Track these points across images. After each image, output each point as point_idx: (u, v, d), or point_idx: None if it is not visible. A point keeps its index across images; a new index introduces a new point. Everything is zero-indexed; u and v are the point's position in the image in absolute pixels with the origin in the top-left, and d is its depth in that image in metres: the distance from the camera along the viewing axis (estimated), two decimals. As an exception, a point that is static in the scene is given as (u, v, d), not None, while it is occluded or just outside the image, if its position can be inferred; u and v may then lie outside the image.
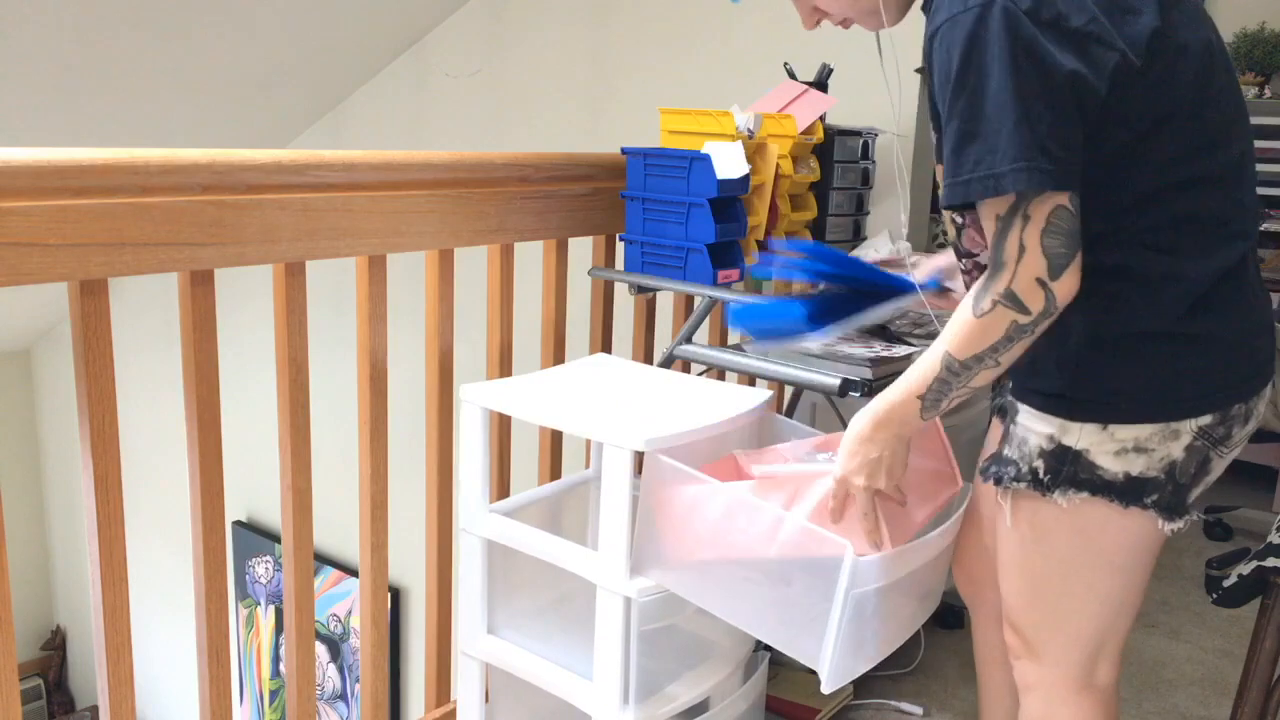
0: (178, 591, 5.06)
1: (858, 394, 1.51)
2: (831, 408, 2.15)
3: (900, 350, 1.62)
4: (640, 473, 1.38)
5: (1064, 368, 1.11)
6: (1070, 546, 1.16)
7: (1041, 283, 1.02)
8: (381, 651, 1.72)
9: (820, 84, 2.23)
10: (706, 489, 1.29)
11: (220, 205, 1.32)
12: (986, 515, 1.38)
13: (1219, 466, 1.14)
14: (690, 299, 2.17)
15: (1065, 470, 1.12)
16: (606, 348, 2.09)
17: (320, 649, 4.78)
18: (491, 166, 1.73)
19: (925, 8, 1.13)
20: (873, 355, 1.57)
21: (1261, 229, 3.10)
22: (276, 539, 4.77)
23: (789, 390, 2.33)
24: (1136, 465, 1.10)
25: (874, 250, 2.16)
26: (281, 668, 4.90)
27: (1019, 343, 1.06)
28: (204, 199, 1.31)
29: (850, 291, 1.44)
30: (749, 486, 1.30)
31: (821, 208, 2.22)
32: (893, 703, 2.01)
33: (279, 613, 4.90)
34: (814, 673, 2.05)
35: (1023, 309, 1.03)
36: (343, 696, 4.72)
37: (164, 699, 5.46)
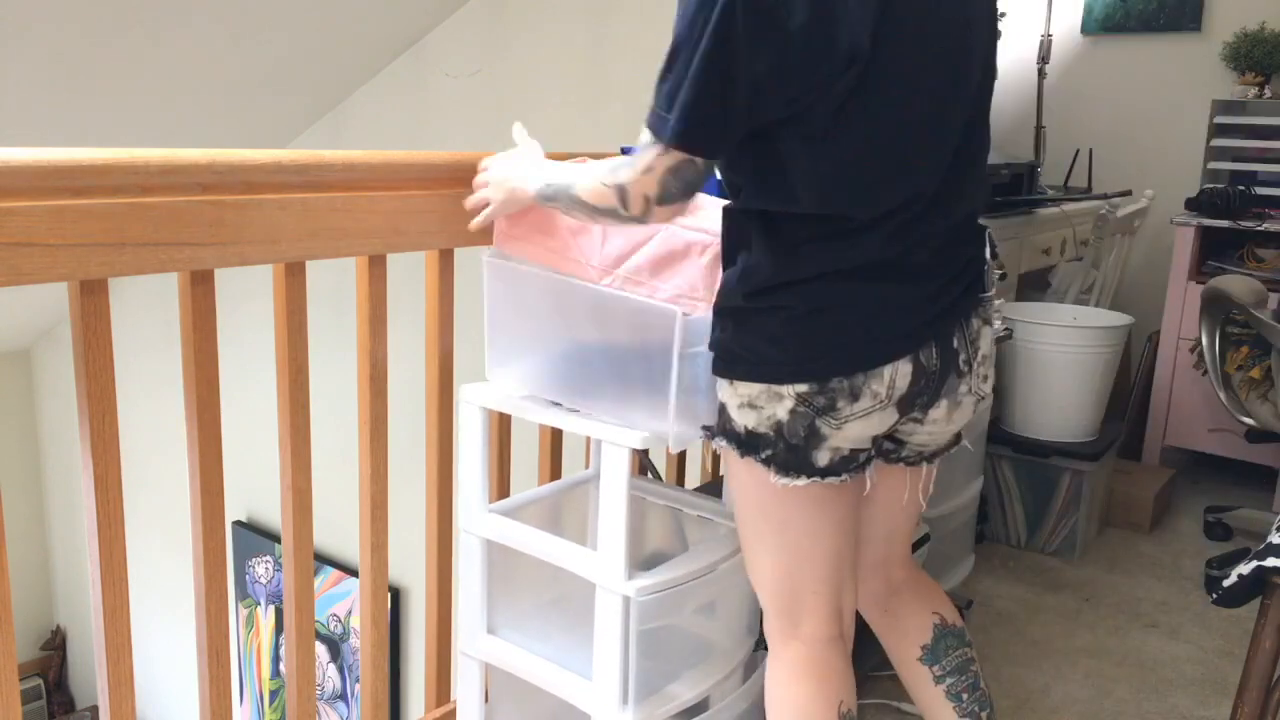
0: (178, 591, 5.06)
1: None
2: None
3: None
4: (638, 473, 1.39)
5: (714, 328, 1.26)
6: (737, 494, 1.30)
7: (647, 199, 1.19)
8: (381, 651, 1.72)
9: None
10: (533, 277, 1.49)
11: (220, 205, 1.32)
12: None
13: (840, 435, 1.20)
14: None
15: (719, 420, 1.26)
16: (606, 348, 2.09)
17: (320, 649, 4.78)
18: (491, 166, 1.73)
19: None
20: None
21: (1261, 229, 3.11)
22: (276, 539, 4.77)
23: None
24: (751, 420, 1.21)
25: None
26: (281, 668, 4.90)
27: (606, 220, 1.28)
28: (204, 199, 1.31)
29: None
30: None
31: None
32: (893, 703, 2.01)
33: (279, 613, 4.90)
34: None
35: (624, 206, 1.21)
36: (343, 696, 4.72)
37: (164, 699, 5.46)
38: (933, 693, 1.44)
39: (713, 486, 2.14)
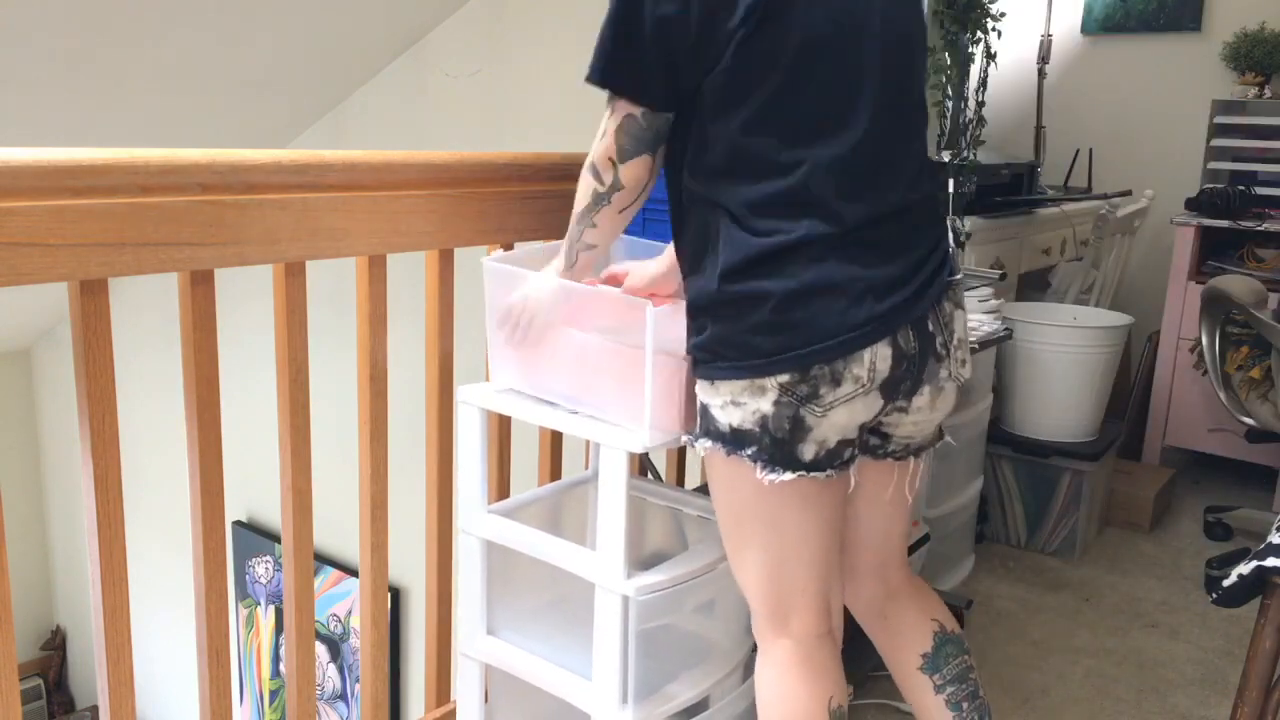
0: (178, 591, 5.06)
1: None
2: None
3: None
4: (638, 473, 1.39)
5: (688, 332, 1.28)
6: (720, 495, 1.30)
7: (612, 161, 1.26)
8: (381, 651, 1.72)
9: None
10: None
11: (220, 205, 1.32)
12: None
13: (824, 425, 1.20)
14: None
15: (701, 422, 1.27)
16: (606, 348, 2.09)
17: (320, 649, 4.78)
18: (491, 166, 1.73)
19: None
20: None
21: (1261, 229, 3.11)
22: (276, 539, 4.77)
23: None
24: (735, 417, 1.22)
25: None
26: (281, 668, 4.90)
27: (603, 210, 1.30)
28: (204, 199, 1.31)
29: None
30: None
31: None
32: (893, 703, 2.01)
33: (279, 613, 4.90)
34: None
35: (598, 178, 1.28)
36: (343, 696, 4.72)
37: (164, 699, 5.46)
38: (933, 701, 1.43)
39: (713, 486, 2.14)
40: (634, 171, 1.26)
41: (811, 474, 1.21)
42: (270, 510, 4.87)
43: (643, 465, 2.09)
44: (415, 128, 4.01)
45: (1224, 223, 3.15)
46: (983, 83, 2.96)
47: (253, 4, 3.31)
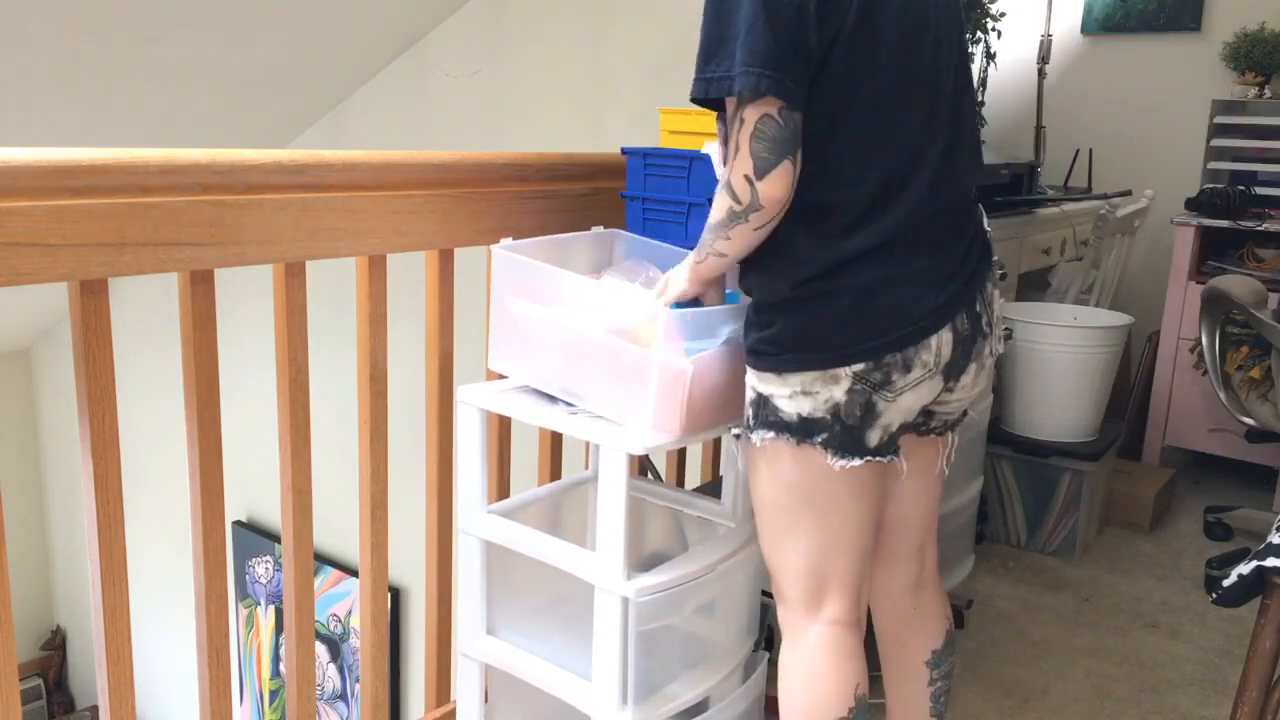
0: (178, 591, 5.06)
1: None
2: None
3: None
4: (638, 473, 1.39)
5: (749, 329, 1.30)
6: (771, 484, 1.31)
7: (748, 180, 1.19)
8: (381, 651, 1.72)
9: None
10: (539, 269, 1.52)
11: (220, 205, 1.32)
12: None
13: (893, 410, 1.25)
14: (690, 299, 2.16)
15: (760, 415, 1.29)
16: (606, 348, 2.09)
17: (320, 649, 4.78)
18: (491, 166, 1.73)
19: None
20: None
21: (1261, 229, 3.11)
22: (276, 539, 4.77)
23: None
24: (805, 407, 1.25)
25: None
26: (281, 668, 4.90)
27: (738, 227, 1.23)
28: (204, 199, 1.31)
29: None
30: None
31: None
32: (892, 703, 2.01)
33: (279, 613, 4.90)
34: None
35: (735, 199, 1.21)
36: (343, 696, 4.72)
37: (164, 699, 5.46)
38: (922, 693, 1.48)
39: (712, 486, 2.14)
40: (773, 188, 1.19)
41: (875, 459, 1.26)
42: (270, 510, 4.87)
43: (643, 465, 2.09)
44: (415, 128, 4.01)
45: (1224, 223, 3.15)
46: (983, 83, 2.96)
47: (253, 4, 3.31)
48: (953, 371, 1.29)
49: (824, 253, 1.22)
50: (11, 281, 1.14)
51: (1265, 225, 3.10)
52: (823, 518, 1.30)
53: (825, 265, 1.22)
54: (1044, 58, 3.48)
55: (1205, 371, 2.73)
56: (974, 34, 2.73)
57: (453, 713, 1.76)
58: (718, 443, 2.31)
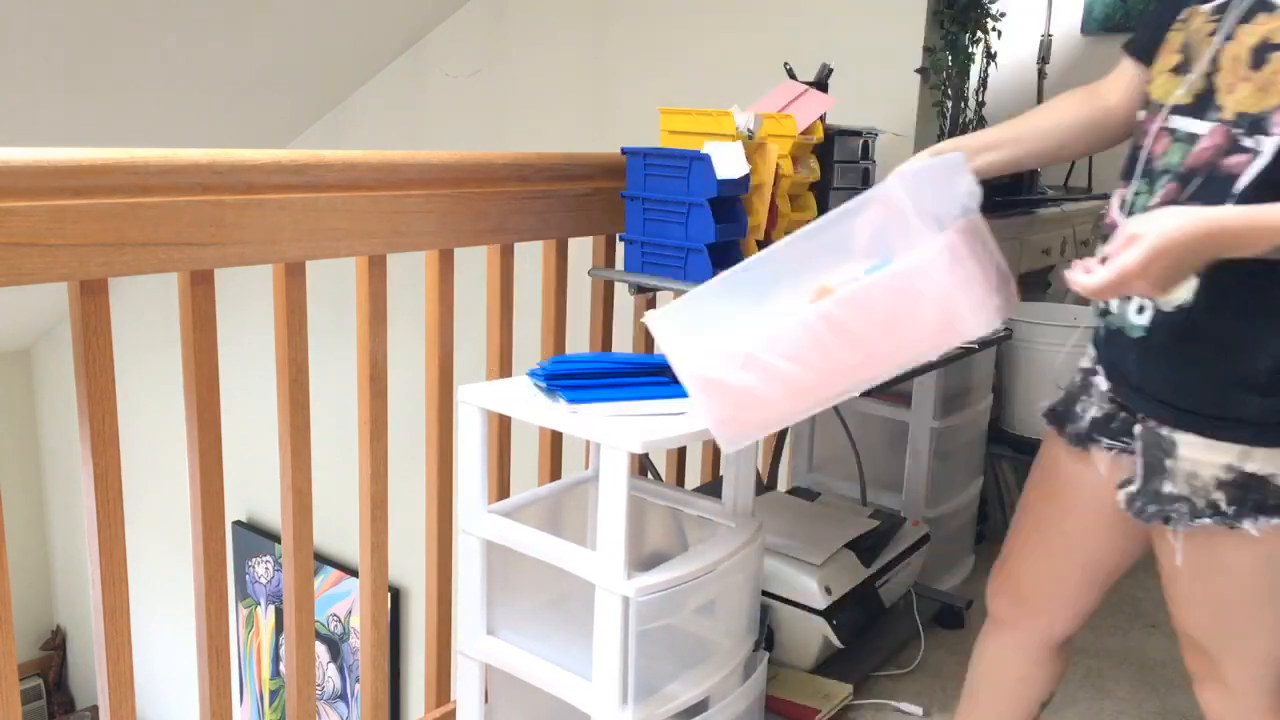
0: (178, 591, 5.06)
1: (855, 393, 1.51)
2: (831, 407, 2.15)
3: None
4: (638, 473, 1.38)
5: (1251, 390, 1.06)
6: (1259, 575, 1.12)
7: None
8: (381, 651, 1.72)
9: (820, 84, 2.23)
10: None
11: (220, 205, 1.32)
12: (1093, 546, 1.33)
13: None
14: (690, 299, 2.16)
15: (1251, 498, 1.07)
16: (607, 348, 2.09)
17: (320, 649, 4.78)
18: (491, 166, 1.73)
19: None
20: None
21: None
22: (276, 539, 4.76)
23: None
24: None
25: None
26: (281, 668, 4.90)
27: None
28: (204, 199, 1.31)
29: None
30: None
31: (821, 208, 2.22)
32: (893, 703, 2.01)
33: (279, 613, 4.90)
34: (814, 673, 2.05)
35: None
36: (343, 696, 4.72)
37: (164, 699, 5.46)
38: None
39: (712, 486, 2.15)
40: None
41: None
42: (270, 510, 4.87)
43: (643, 465, 2.09)
44: (415, 128, 4.01)
45: (1224, 223, 3.15)
46: (983, 83, 2.96)
47: (253, 4, 3.31)
48: None
49: None
50: (11, 281, 1.14)
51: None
52: None
53: None
54: (1044, 58, 3.48)
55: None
56: (974, 34, 2.73)
57: (453, 713, 1.76)
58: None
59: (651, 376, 1.54)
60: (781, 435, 2.45)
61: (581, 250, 1.99)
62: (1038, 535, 1.38)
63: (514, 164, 1.76)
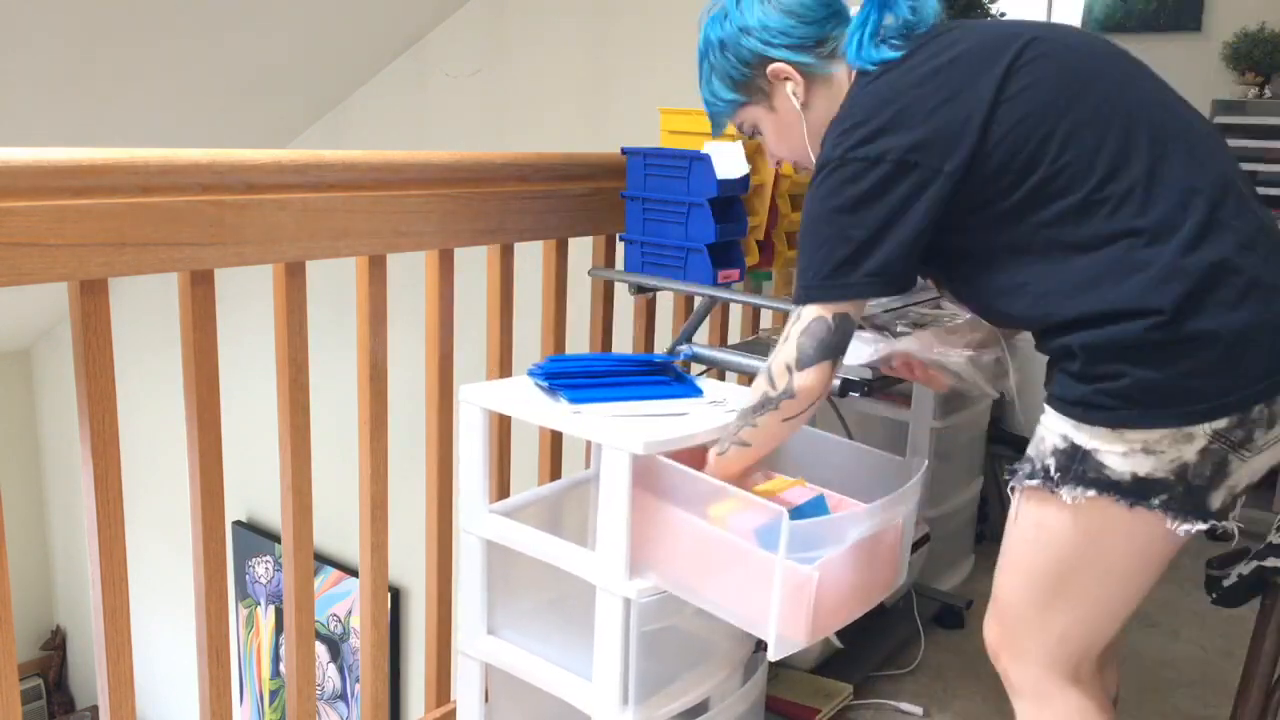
0: (178, 591, 5.05)
1: (858, 394, 1.51)
2: (831, 407, 2.15)
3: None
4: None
5: (1082, 379, 1.12)
6: (1072, 546, 1.17)
7: (788, 368, 1.21)
8: (381, 651, 1.72)
9: (820, 84, 2.23)
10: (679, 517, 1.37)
11: (220, 205, 1.32)
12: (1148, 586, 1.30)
13: (1244, 469, 1.12)
14: (690, 299, 2.17)
15: (1074, 468, 1.13)
16: (607, 348, 2.09)
17: (320, 649, 4.78)
18: (491, 166, 1.73)
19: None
20: (873, 356, 1.57)
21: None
22: (276, 539, 4.77)
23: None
24: (1144, 466, 1.10)
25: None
26: (281, 668, 4.90)
27: (767, 414, 1.25)
28: (204, 199, 1.31)
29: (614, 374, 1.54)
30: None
31: (821, 208, 2.22)
32: (892, 703, 2.01)
33: (279, 613, 4.90)
34: (814, 673, 2.05)
35: (771, 383, 1.23)
36: (343, 696, 4.72)
37: (164, 699, 5.46)
38: None
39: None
40: (808, 381, 1.21)
41: (1209, 522, 1.14)
42: (270, 510, 4.87)
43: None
44: (415, 128, 4.01)
45: (1224, 223, 3.15)
46: (983, 83, 2.95)
47: (253, 5, 3.31)
48: None
49: (1196, 298, 1.08)
50: (11, 281, 1.14)
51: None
52: (1119, 583, 1.19)
53: (1192, 310, 1.08)
54: (1044, 58, 3.48)
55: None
56: (974, 34, 2.74)
57: (453, 713, 1.76)
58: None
59: (652, 376, 1.54)
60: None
61: (581, 250, 1.99)
62: (1124, 607, 1.29)
63: (514, 164, 1.76)
